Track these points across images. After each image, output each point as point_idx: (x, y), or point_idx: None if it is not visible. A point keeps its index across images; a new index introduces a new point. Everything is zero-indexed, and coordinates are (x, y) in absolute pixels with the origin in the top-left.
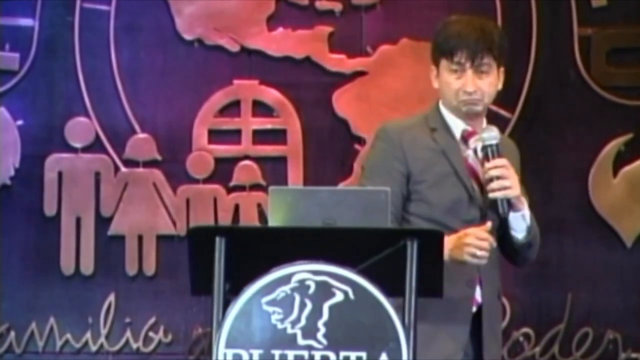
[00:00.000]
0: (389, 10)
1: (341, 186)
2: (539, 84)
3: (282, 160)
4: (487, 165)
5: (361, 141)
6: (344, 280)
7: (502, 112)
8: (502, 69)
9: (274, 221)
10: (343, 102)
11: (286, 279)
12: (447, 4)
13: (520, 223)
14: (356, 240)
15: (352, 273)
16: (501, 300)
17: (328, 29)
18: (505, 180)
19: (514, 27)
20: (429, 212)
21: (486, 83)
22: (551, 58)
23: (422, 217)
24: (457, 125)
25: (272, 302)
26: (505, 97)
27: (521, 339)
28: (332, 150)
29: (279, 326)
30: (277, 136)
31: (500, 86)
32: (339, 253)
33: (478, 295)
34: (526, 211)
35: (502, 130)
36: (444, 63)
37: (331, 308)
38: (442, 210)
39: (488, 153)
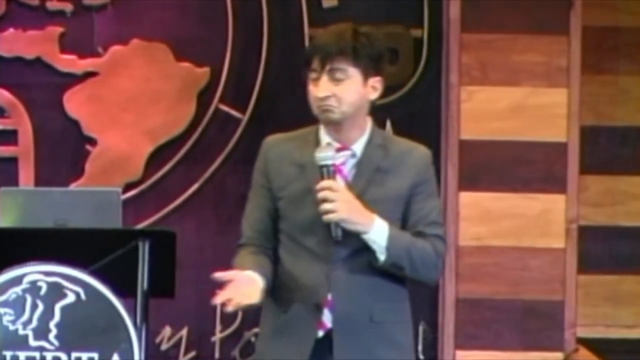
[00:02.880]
0: (120, 11)
1: (73, 187)
2: (270, 84)
3: (13, 161)
4: (316, 187)
5: (92, 142)
6: (75, 281)
7: (233, 112)
8: (376, 78)
9: (4, 222)
10: (74, 103)
11: (18, 280)
12: (179, 4)
13: (372, 244)
14: (88, 241)
15: (84, 274)
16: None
17: (59, 30)
18: (328, 203)
19: (245, 26)
20: (289, 229)
21: (342, 89)
22: (282, 58)
23: (285, 233)
24: (325, 139)
25: (3, 304)
26: (236, 98)
27: (253, 338)
28: (64, 151)
29: (11, 327)
30: (8, 137)
31: (373, 96)
32: (71, 254)
33: (327, 319)
34: (373, 234)
35: (233, 131)
36: (308, 74)
37: (63, 309)
38: (299, 229)
39: (323, 173)
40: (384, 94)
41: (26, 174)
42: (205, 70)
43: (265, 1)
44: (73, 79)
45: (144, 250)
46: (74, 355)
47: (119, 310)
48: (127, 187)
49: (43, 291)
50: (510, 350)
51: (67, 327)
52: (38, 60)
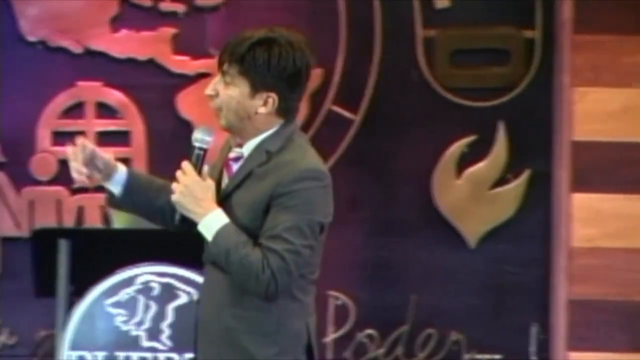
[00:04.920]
0: (232, 12)
1: None
2: (382, 85)
3: (126, 162)
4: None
5: None
6: (188, 282)
7: (346, 113)
8: (269, 94)
9: (118, 223)
10: (187, 104)
11: (130, 281)
12: (290, 5)
13: (204, 237)
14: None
15: (196, 275)
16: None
17: (172, 31)
18: (175, 184)
19: (357, 27)
20: None
21: (226, 93)
22: (394, 59)
23: None
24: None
25: (116, 304)
26: (348, 99)
27: (365, 340)
28: (176, 151)
29: (123, 328)
30: (121, 138)
31: (262, 110)
32: (183, 255)
33: (201, 312)
34: (202, 226)
35: (345, 132)
36: None
37: (175, 310)
38: None
39: (190, 153)
40: (495, 96)
41: None
42: (317, 72)
43: (377, 2)
44: (185, 80)
45: None
46: (186, 356)
47: None
48: None
49: (156, 292)
50: (621, 352)
51: (180, 328)
52: (151, 61)
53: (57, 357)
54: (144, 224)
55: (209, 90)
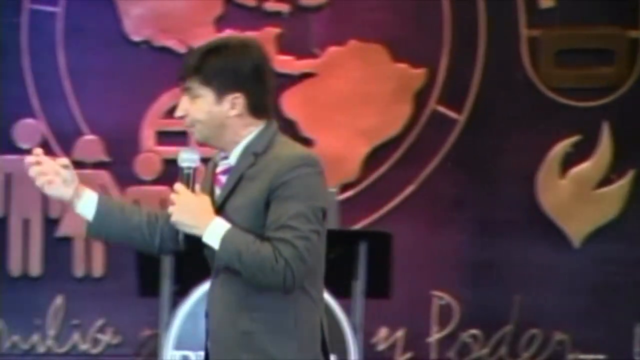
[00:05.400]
0: (336, 12)
1: None
2: (487, 85)
3: None
4: None
5: (309, 142)
6: None
7: (450, 113)
8: (234, 95)
9: None
10: (291, 104)
11: None
12: (395, 5)
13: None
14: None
15: None
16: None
17: (276, 30)
18: (171, 206)
19: (461, 28)
20: None
21: (194, 109)
22: (498, 59)
23: None
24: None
25: None
26: (452, 99)
27: (469, 340)
28: None
29: None
30: None
31: (233, 112)
32: None
33: (211, 323)
34: (207, 237)
35: (449, 132)
36: None
37: None
38: None
39: (179, 175)
40: (599, 96)
41: None
42: (422, 71)
43: (481, 2)
44: (289, 80)
45: (361, 251)
46: None
47: (335, 311)
48: (343, 188)
49: None
50: None
51: None
52: None
53: (160, 356)
54: None
55: (178, 112)
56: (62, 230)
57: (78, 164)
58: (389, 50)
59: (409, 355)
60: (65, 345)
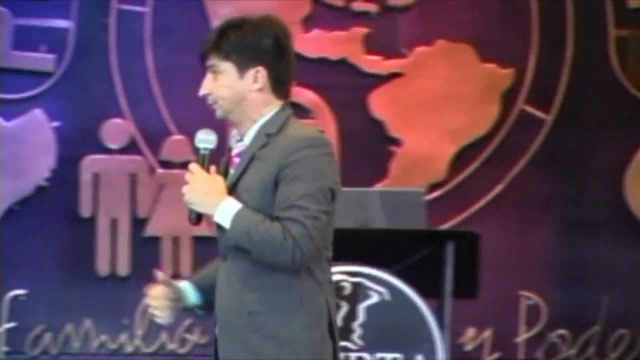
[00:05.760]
0: (424, 12)
1: (376, 187)
2: (574, 85)
3: None
4: None
5: (396, 142)
6: (379, 282)
7: (538, 113)
8: (256, 68)
9: None
10: (379, 104)
11: None
12: (482, 5)
13: (223, 227)
14: (392, 242)
15: (388, 274)
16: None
17: (364, 30)
18: (184, 186)
19: (549, 28)
20: None
21: (217, 85)
22: (586, 59)
23: None
24: (235, 132)
25: None
26: (540, 99)
27: (557, 340)
28: (368, 151)
29: None
30: None
31: (255, 86)
32: (374, 254)
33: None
34: (217, 216)
35: (537, 132)
36: None
37: (367, 309)
38: None
39: (196, 155)
40: None
41: None
42: (510, 71)
43: (569, 1)
44: (377, 80)
45: (449, 251)
46: (378, 355)
47: (423, 311)
48: (431, 188)
49: (347, 291)
50: None
51: (371, 328)
52: (342, 61)
53: None
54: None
55: (201, 91)
56: (150, 230)
57: (165, 164)
58: (477, 50)
59: (496, 355)
60: (153, 345)
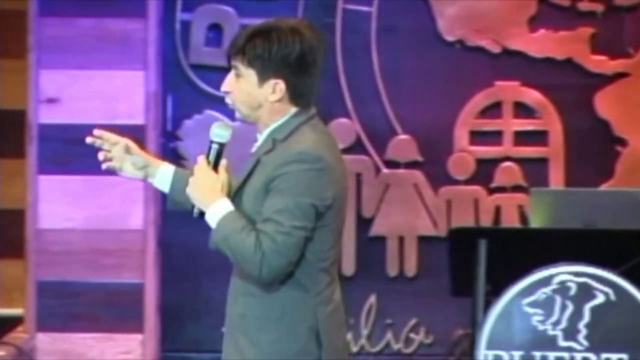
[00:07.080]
0: None
1: (602, 188)
2: None
3: (543, 161)
4: None
5: (622, 142)
6: (605, 282)
7: None
8: (275, 80)
9: (535, 222)
10: (605, 104)
11: (547, 281)
12: None
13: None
14: (617, 242)
15: (614, 275)
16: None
17: (590, 30)
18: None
19: None
20: None
21: (237, 87)
22: None
23: None
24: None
25: (533, 304)
26: None
27: None
28: (593, 151)
29: (540, 327)
30: (538, 137)
31: (272, 97)
32: (600, 254)
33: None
34: (208, 215)
35: None
36: None
37: (592, 310)
38: None
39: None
40: None
41: (556, 174)
42: None
43: None
44: (603, 80)
45: None
46: (603, 356)
47: None
48: None
49: (572, 292)
50: None
51: (597, 328)
52: (568, 61)
53: (474, 356)
54: (560, 223)
55: (224, 87)
56: (375, 230)
57: (391, 164)
58: None
59: None
60: (378, 344)
